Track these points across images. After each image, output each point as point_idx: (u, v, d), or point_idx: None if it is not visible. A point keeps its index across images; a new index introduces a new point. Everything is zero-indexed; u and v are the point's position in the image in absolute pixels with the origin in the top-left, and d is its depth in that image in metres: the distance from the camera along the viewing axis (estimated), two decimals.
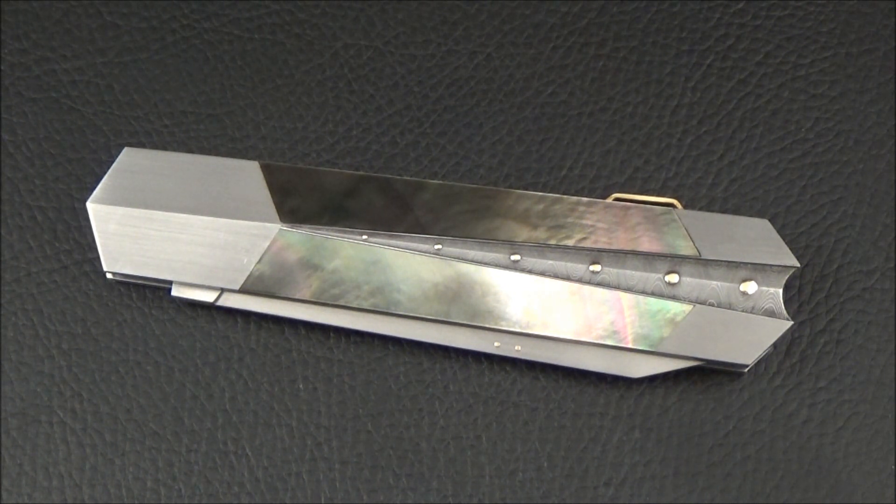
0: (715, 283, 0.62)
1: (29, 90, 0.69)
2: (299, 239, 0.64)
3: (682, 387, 0.64)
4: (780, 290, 0.62)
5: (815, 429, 0.63)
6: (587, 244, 0.63)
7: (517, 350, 0.63)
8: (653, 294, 0.63)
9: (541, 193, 0.64)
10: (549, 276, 0.63)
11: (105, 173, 0.66)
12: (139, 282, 0.65)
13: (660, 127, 0.68)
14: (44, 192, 0.68)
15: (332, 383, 0.65)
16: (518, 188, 0.67)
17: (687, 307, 0.62)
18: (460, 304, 0.63)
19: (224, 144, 0.68)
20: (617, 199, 0.65)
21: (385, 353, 0.65)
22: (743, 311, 0.62)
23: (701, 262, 0.63)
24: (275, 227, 0.64)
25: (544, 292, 0.63)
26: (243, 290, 0.64)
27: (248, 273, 0.64)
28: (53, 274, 0.67)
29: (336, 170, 0.66)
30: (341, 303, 0.64)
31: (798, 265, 0.62)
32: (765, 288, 0.62)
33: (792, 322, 0.62)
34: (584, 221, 0.64)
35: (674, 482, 0.63)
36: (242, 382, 0.65)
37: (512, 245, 0.64)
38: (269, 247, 0.64)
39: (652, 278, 0.63)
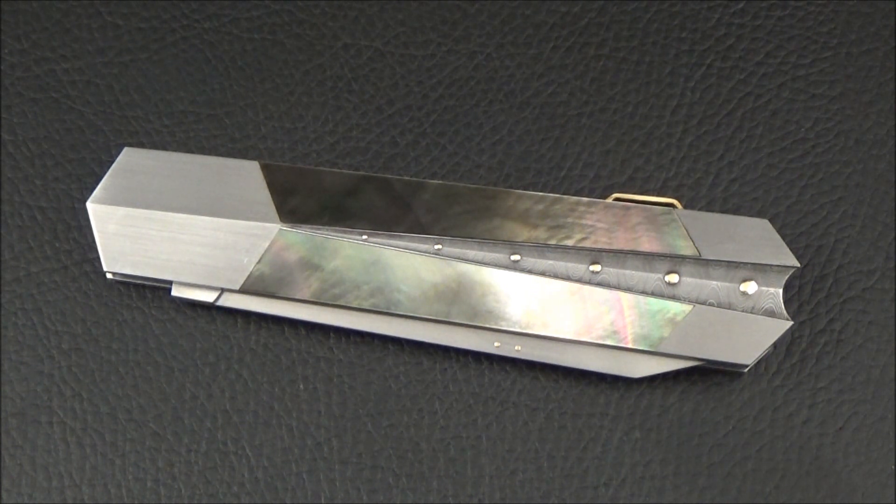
0: (715, 283, 0.62)
1: (29, 90, 0.69)
2: (299, 239, 0.64)
3: (682, 387, 0.64)
4: (780, 290, 0.62)
5: (815, 429, 0.63)
6: (587, 244, 0.63)
7: (517, 350, 0.63)
8: (653, 294, 0.63)
9: (541, 193, 0.64)
10: (549, 276, 0.63)
11: (105, 173, 0.66)
12: (139, 282, 0.65)
13: (660, 127, 0.68)
14: (44, 192, 0.68)
15: (332, 383, 0.65)
16: (518, 188, 0.67)
17: (687, 307, 0.62)
18: (460, 304, 0.63)
19: (224, 144, 0.68)
20: (617, 199, 0.65)
21: (385, 353, 0.65)
22: (743, 311, 0.62)
23: (701, 262, 0.63)
24: (275, 227, 0.64)
25: (544, 292, 0.63)
26: (243, 290, 0.64)
27: (248, 273, 0.64)
28: (53, 274, 0.67)
29: (336, 170, 0.66)
30: (341, 303, 0.64)
31: (798, 265, 0.62)
32: (765, 288, 0.62)
33: (792, 322, 0.62)
34: (584, 221, 0.64)
35: (674, 482, 0.63)
36: (242, 382, 0.65)
37: (512, 245, 0.64)
38: (269, 247, 0.64)
39: (652, 278, 0.63)
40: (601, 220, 0.64)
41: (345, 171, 0.66)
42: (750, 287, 0.62)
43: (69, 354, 0.66)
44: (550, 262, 0.63)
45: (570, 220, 0.64)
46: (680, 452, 0.63)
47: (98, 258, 0.66)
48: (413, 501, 0.63)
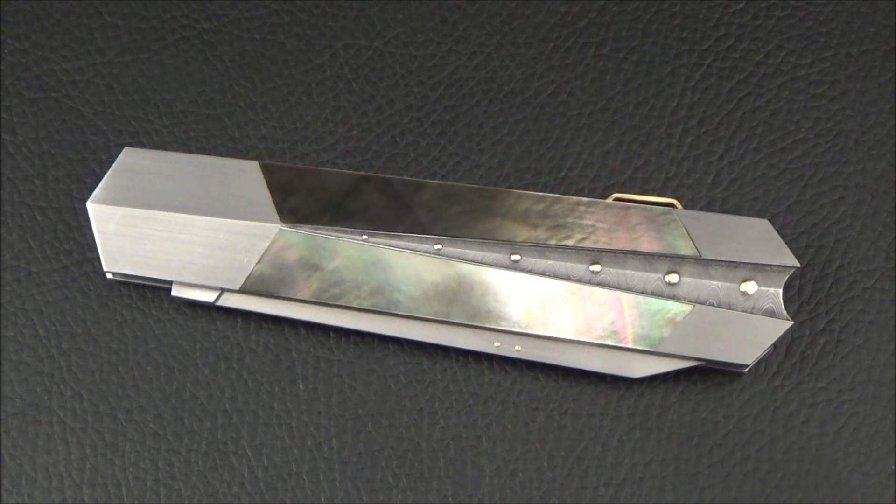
0: (715, 283, 0.62)
1: (29, 90, 0.69)
2: (299, 239, 0.64)
3: (682, 387, 0.64)
4: (780, 290, 0.62)
5: (815, 429, 0.63)
6: (587, 244, 0.63)
7: (517, 350, 0.63)
8: (653, 294, 0.63)
9: (541, 193, 0.64)
10: (549, 276, 0.63)
11: (105, 173, 0.66)
12: (139, 282, 0.65)
13: (660, 127, 0.68)
14: (44, 192, 0.68)
15: (332, 383, 0.65)
16: (518, 188, 0.67)
17: (687, 307, 0.62)
18: (460, 304, 0.63)
19: (224, 144, 0.68)
20: (617, 199, 0.65)
21: (385, 353, 0.65)
22: (743, 311, 0.62)
23: (701, 262, 0.63)
24: (275, 227, 0.64)
25: (544, 292, 0.63)
26: (243, 290, 0.64)
27: (248, 273, 0.64)
28: (53, 274, 0.67)
29: (336, 170, 0.66)
30: (341, 303, 0.64)
31: (798, 265, 0.62)
32: (765, 288, 0.62)
33: (792, 322, 0.62)
34: (584, 221, 0.64)
35: (674, 482, 0.63)
36: (242, 382, 0.65)
37: (512, 245, 0.64)
38: (269, 247, 0.64)
39: (652, 278, 0.63)
40: (601, 220, 0.64)
41: (345, 171, 0.66)
42: (750, 287, 0.62)
43: (69, 354, 0.66)
44: (550, 262, 0.63)
45: (570, 220, 0.64)
46: (680, 452, 0.63)
47: (98, 258, 0.66)
48: (413, 501, 0.63)
